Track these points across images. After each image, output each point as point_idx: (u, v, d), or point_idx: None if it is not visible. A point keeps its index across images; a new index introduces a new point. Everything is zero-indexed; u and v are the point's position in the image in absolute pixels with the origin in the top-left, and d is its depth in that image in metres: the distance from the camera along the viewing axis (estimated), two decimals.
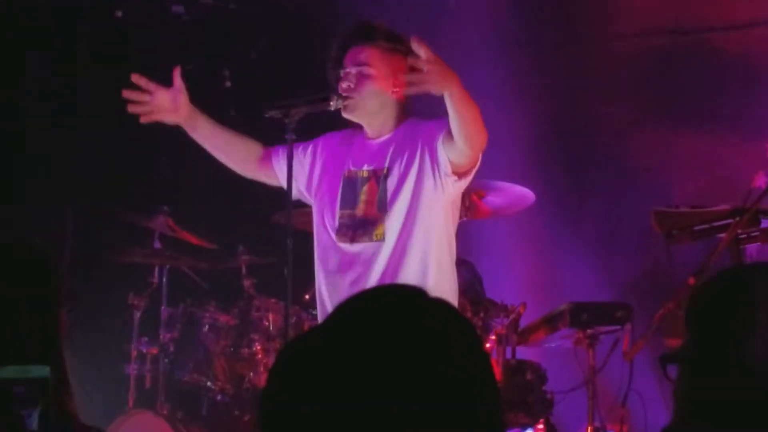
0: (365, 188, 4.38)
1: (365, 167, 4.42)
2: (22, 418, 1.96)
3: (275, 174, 4.61)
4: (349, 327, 1.61)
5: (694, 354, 2.04)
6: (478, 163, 4.33)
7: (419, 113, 4.54)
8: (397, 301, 1.65)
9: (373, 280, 4.29)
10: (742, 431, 1.97)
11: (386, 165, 4.37)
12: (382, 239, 4.32)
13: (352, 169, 4.47)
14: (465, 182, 4.38)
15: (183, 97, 4.54)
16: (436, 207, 4.33)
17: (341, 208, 4.42)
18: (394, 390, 1.54)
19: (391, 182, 4.34)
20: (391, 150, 4.39)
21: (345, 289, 4.32)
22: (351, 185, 4.43)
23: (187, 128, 4.58)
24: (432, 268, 4.33)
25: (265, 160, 4.63)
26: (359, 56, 4.39)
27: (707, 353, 2.03)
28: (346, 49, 4.43)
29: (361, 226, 4.36)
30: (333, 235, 4.44)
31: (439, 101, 4.21)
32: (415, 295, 1.65)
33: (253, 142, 4.67)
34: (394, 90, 4.38)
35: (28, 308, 2.23)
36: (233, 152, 4.64)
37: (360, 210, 4.37)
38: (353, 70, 4.37)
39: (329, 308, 4.38)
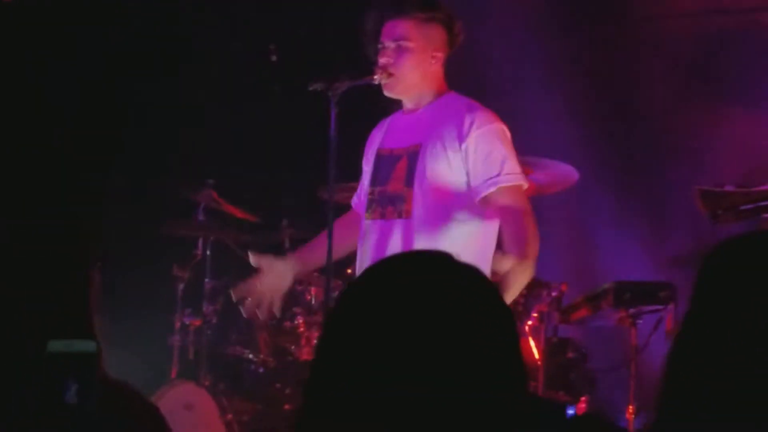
0: (398, 165, 4.35)
1: (398, 145, 4.40)
2: (61, 391, 1.96)
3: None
4: (376, 291, 1.63)
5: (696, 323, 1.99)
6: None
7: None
8: (422, 265, 1.66)
9: None
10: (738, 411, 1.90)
11: (419, 140, 4.33)
12: (409, 216, 4.28)
13: (386, 147, 4.45)
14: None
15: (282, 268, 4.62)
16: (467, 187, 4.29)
17: (372, 185, 4.41)
18: (420, 355, 1.56)
19: (422, 158, 4.29)
20: (427, 124, 4.34)
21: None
22: (383, 162, 4.42)
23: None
24: (463, 249, 4.22)
25: (356, 206, 4.65)
26: (396, 30, 4.34)
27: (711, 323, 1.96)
28: (382, 22, 4.39)
29: (390, 202, 4.33)
30: (365, 212, 4.44)
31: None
32: (442, 259, 1.66)
33: (347, 219, 4.65)
34: (432, 61, 4.35)
35: (59, 279, 2.22)
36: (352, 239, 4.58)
37: (390, 186, 4.34)
38: (391, 45, 4.34)
39: None
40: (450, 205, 4.25)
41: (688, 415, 1.88)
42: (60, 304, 2.18)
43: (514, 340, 1.65)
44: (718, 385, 1.86)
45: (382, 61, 4.32)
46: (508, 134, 4.31)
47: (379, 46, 4.35)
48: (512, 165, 4.20)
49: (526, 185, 4.26)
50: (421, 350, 1.57)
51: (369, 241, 4.39)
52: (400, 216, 4.29)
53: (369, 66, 4.34)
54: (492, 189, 4.19)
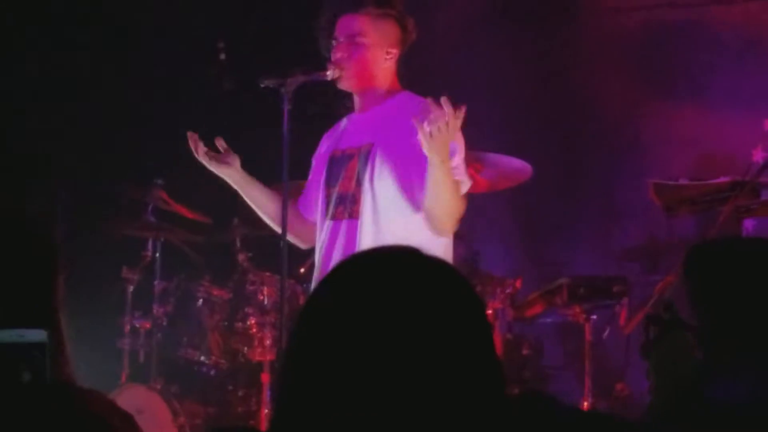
0: (349, 164, 4.31)
1: (351, 144, 4.36)
2: (15, 381, 1.95)
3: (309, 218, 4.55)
4: (347, 287, 1.60)
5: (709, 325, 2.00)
6: None
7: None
8: (391, 259, 1.63)
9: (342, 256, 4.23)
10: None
11: (371, 140, 4.29)
12: (358, 216, 4.24)
13: (338, 148, 4.41)
14: None
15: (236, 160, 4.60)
16: (420, 186, 4.23)
17: (326, 186, 4.38)
18: (394, 350, 1.53)
19: (372, 157, 4.25)
20: (379, 124, 4.31)
21: (326, 264, 4.29)
22: (335, 163, 4.38)
23: (235, 185, 4.60)
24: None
25: (303, 204, 4.59)
26: (350, 25, 4.32)
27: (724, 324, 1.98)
28: (337, 17, 4.36)
29: (341, 202, 4.30)
30: (320, 213, 4.40)
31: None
32: (413, 254, 1.63)
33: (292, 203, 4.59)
34: (387, 57, 4.32)
35: (25, 275, 2.21)
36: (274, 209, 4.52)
37: (342, 186, 4.30)
38: (345, 40, 4.31)
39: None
40: (399, 205, 4.21)
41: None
42: (26, 302, 2.16)
43: (487, 332, 1.63)
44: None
45: (336, 56, 4.29)
46: (460, 135, 4.25)
47: (333, 41, 4.31)
48: (456, 163, 4.14)
49: (466, 186, 4.19)
50: (393, 348, 1.55)
51: (320, 242, 4.37)
52: (349, 216, 4.26)
53: (321, 62, 4.30)
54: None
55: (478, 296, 1.66)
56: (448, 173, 4.03)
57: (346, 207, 4.28)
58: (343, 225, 4.28)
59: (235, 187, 4.61)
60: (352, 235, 4.24)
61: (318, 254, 4.40)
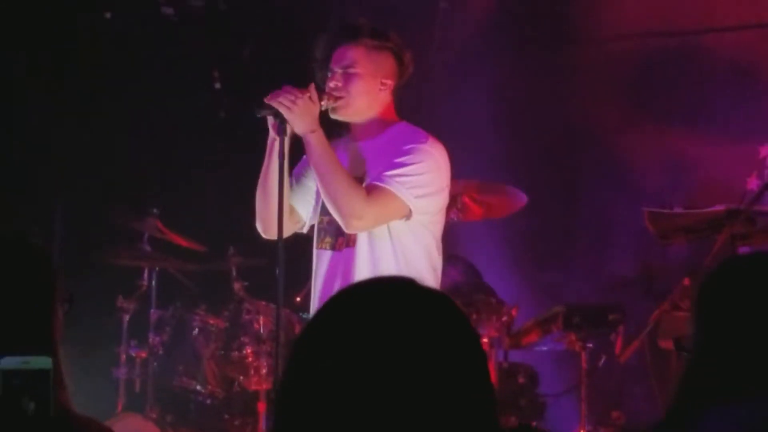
0: None
1: None
2: (21, 408, 1.95)
3: (305, 206, 4.47)
4: (342, 318, 1.61)
5: (705, 340, 1.99)
6: (408, 207, 4.18)
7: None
8: (388, 291, 1.63)
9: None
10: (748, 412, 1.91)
11: (365, 170, 4.31)
12: (353, 245, 4.25)
13: None
14: (419, 218, 4.24)
15: None
16: (414, 216, 4.23)
17: (321, 214, 4.38)
18: (388, 381, 1.53)
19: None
20: (372, 155, 4.32)
21: (326, 295, 4.28)
22: None
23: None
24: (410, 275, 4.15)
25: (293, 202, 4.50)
26: (345, 56, 4.33)
27: (719, 340, 1.98)
28: (332, 49, 4.38)
29: (337, 232, 4.31)
30: (315, 241, 4.40)
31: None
32: (407, 285, 1.63)
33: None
34: (381, 88, 4.34)
35: (26, 302, 2.21)
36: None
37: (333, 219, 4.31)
38: (340, 70, 4.33)
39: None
40: (392, 233, 4.23)
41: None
42: (27, 329, 2.17)
43: (482, 362, 1.63)
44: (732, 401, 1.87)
45: (330, 85, 4.30)
46: (440, 161, 4.26)
47: (329, 72, 4.33)
48: (408, 177, 4.15)
49: (404, 205, 4.17)
50: (388, 379, 1.55)
51: (320, 271, 4.37)
52: (345, 245, 4.27)
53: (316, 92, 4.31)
54: (376, 182, 4.16)
55: (472, 327, 1.67)
56: (321, 150, 4.11)
57: (341, 236, 4.29)
58: (341, 254, 4.29)
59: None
60: (349, 264, 4.25)
61: (316, 283, 4.39)
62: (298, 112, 4.09)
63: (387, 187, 4.15)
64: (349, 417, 1.54)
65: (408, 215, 4.20)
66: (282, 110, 4.09)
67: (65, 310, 2.29)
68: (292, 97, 4.08)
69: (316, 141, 4.13)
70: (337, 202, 4.15)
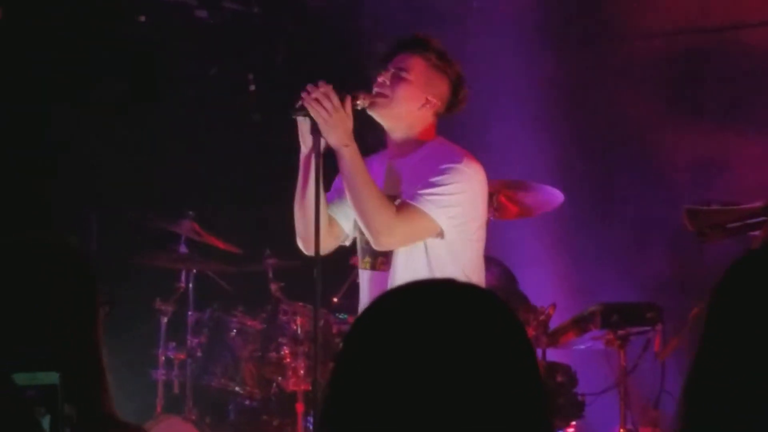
0: None
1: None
2: (34, 424, 1.96)
3: (346, 222, 4.44)
4: (387, 320, 1.60)
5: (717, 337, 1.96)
6: (439, 226, 4.15)
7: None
8: (431, 290, 1.63)
9: None
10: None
11: (400, 190, 4.30)
12: (387, 269, 4.26)
13: None
14: (448, 235, 4.22)
15: None
16: (446, 248, 4.21)
17: (361, 232, 4.37)
18: (438, 380, 1.53)
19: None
20: (407, 173, 4.31)
21: None
22: None
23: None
24: None
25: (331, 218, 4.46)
26: (405, 61, 4.34)
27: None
28: (397, 53, 4.39)
29: (375, 251, 4.31)
30: (359, 260, 4.42)
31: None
32: (451, 284, 1.63)
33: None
34: (425, 103, 4.31)
35: (68, 306, 2.22)
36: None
37: None
38: (393, 71, 4.33)
39: None
40: (429, 252, 4.22)
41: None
42: (72, 335, 2.17)
43: (532, 356, 1.62)
44: (739, 404, 1.83)
45: (378, 80, 4.30)
46: (474, 180, 4.23)
47: (382, 70, 4.34)
48: (440, 197, 4.14)
49: (434, 224, 4.15)
50: (437, 378, 1.55)
51: (364, 291, 4.38)
52: (382, 265, 4.28)
53: (351, 92, 4.30)
54: (408, 200, 4.15)
55: (519, 321, 1.66)
56: (352, 165, 4.08)
57: (378, 256, 4.29)
58: (379, 274, 4.29)
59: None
60: (387, 284, 4.21)
61: (362, 300, 4.44)
62: (332, 124, 4.06)
63: (418, 205, 4.13)
64: (394, 419, 1.54)
65: (440, 234, 4.18)
66: (318, 121, 4.06)
67: (106, 313, 2.29)
68: (329, 106, 4.04)
69: (349, 155, 4.10)
70: (366, 218, 4.14)
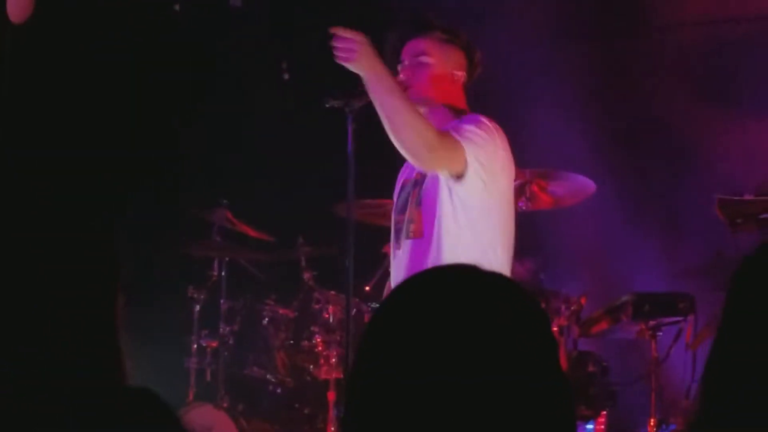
0: (414, 190, 4.33)
1: (418, 170, 4.37)
2: None
3: None
4: (409, 306, 1.61)
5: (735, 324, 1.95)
6: (467, 163, 4.14)
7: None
8: (452, 277, 1.64)
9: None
10: None
11: None
12: (419, 236, 4.25)
13: (409, 177, 4.43)
14: (472, 182, 4.19)
15: None
16: (473, 204, 4.21)
17: (396, 213, 4.39)
18: (459, 368, 1.54)
19: (427, 180, 4.28)
20: None
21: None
22: (403, 191, 4.41)
23: None
24: (481, 256, 4.13)
25: None
26: (416, 47, 4.37)
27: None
28: (404, 42, 4.40)
29: (405, 227, 4.32)
30: (392, 240, 4.43)
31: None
32: (474, 271, 1.63)
33: None
34: (453, 79, 4.35)
35: (86, 290, 2.21)
36: None
37: (408, 213, 4.32)
38: (411, 61, 4.34)
39: None
40: (454, 224, 4.22)
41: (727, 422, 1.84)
42: (89, 317, 2.17)
43: (553, 347, 1.63)
44: (758, 392, 1.82)
45: (401, 77, 4.31)
46: (492, 134, 4.23)
47: (399, 65, 4.35)
48: (467, 129, 4.15)
49: (464, 159, 4.12)
50: (459, 366, 1.55)
51: (395, 267, 4.38)
52: (408, 237, 4.27)
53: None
54: (451, 130, 4.15)
55: (542, 311, 1.66)
56: (380, 83, 4.06)
57: (407, 229, 4.30)
58: (408, 246, 4.29)
59: None
60: (416, 255, 4.24)
61: (394, 279, 4.42)
62: (360, 59, 4.03)
63: (459, 138, 4.12)
64: (416, 408, 1.55)
65: (461, 173, 4.15)
66: (349, 65, 4.04)
67: (124, 301, 2.29)
68: (354, 45, 4.01)
69: (377, 75, 4.06)
70: (410, 134, 4.05)
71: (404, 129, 4.06)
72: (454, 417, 1.54)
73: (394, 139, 4.09)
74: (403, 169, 4.56)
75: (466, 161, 4.13)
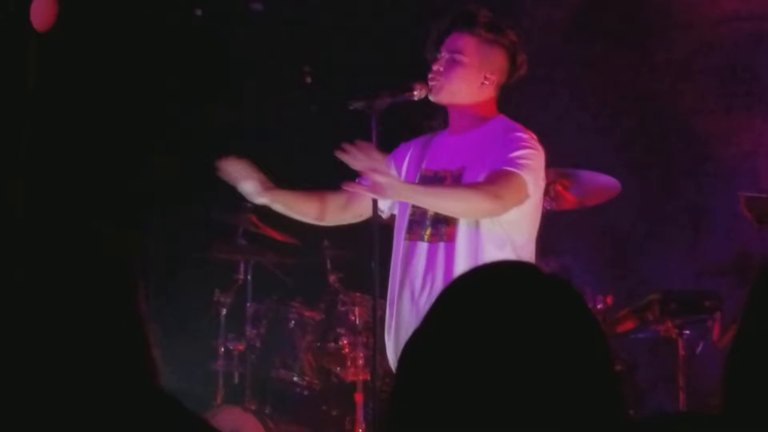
0: None
1: (443, 166, 4.36)
2: None
3: (367, 202, 4.44)
4: (465, 303, 1.62)
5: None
6: (528, 189, 4.18)
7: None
8: (509, 275, 1.64)
9: (438, 279, 4.24)
10: None
11: (464, 164, 4.30)
12: (452, 240, 4.25)
13: (430, 168, 4.42)
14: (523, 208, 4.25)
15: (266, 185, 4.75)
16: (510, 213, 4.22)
17: (413, 206, 4.37)
18: (515, 366, 1.55)
19: (465, 181, 4.27)
20: (471, 148, 4.32)
21: (413, 286, 4.29)
22: (425, 183, 4.38)
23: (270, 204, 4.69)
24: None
25: (353, 196, 4.53)
26: (456, 43, 4.35)
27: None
28: (447, 34, 4.39)
29: (432, 225, 4.31)
30: (403, 232, 4.40)
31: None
32: (527, 268, 1.64)
33: (333, 192, 4.61)
34: (484, 81, 4.33)
35: (98, 282, 2.20)
36: (320, 207, 4.62)
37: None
38: (446, 56, 4.33)
39: (397, 304, 4.35)
40: (490, 227, 4.22)
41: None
42: (116, 309, 2.17)
43: (605, 346, 1.63)
44: None
45: (433, 68, 4.32)
46: (538, 148, 4.25)
47: (437, 55, 4.34)
48: (518, 155, 4.14)
49: (527, 187, 4.17)
50: (514, 364, 1.56)
51: (412, 264, 4.36)
52: (441, 239, 4.26)
53: (407, 83, 4.32)
54: (503, 167, 4.14)
55: (592, 312, 1.67)
56: (423, 193, 4.15)
57: (438, 230, 4.29)
58: (438, 248, 4.29)
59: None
60: (447, 258, 4.24)
61: (406, 274, 4.39)
62: (388, 193, 4.11)
63: (515, 170, 4.12)
64: (468, 404, 1.55)
65: (525, 199, 4.18)
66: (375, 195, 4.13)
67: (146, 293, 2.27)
68: (383, 180, 4.04)
69: (409, 196, 4.19)
70: (470, 211, 4.15)
71: (467, 209, 4.15)
72: (507, 415, 1.55)
73: (469, 218, 4.17)
74: (405, 150, 4.58)
75: (528, 190, 4.15)
